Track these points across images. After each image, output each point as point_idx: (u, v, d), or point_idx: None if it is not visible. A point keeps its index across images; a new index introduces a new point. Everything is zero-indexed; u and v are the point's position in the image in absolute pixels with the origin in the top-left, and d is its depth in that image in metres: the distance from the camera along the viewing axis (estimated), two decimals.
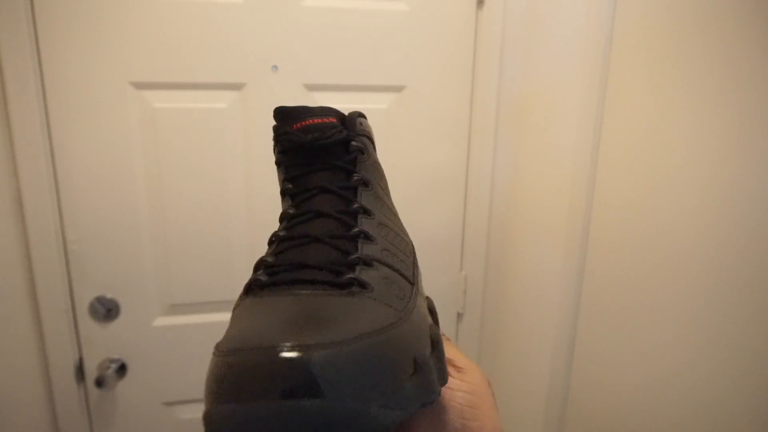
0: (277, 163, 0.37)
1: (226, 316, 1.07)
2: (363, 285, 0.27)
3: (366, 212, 0.34)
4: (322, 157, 0.36)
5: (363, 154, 0.37)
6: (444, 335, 0.35)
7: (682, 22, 0.69)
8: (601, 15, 0.81)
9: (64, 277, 0.98)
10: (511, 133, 1.08)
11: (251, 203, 1.03)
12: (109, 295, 1.01)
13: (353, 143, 0.36)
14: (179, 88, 0.96)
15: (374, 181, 0.37)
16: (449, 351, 0.34)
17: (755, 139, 0.59)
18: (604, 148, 0.85)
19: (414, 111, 1.05)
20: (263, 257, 0.31)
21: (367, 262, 0.29)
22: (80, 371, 1.03)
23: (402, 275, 0.31)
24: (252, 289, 0.29)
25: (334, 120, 0.36)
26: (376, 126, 1.04)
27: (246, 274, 1.04)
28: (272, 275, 0.29)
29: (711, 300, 0.66)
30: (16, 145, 0.89)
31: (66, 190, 0.95)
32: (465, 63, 1.06)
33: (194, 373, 1.08)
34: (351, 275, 0.28)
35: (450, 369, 0.32)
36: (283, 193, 0.36)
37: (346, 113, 0.38)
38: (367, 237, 0.32)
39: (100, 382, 0.99)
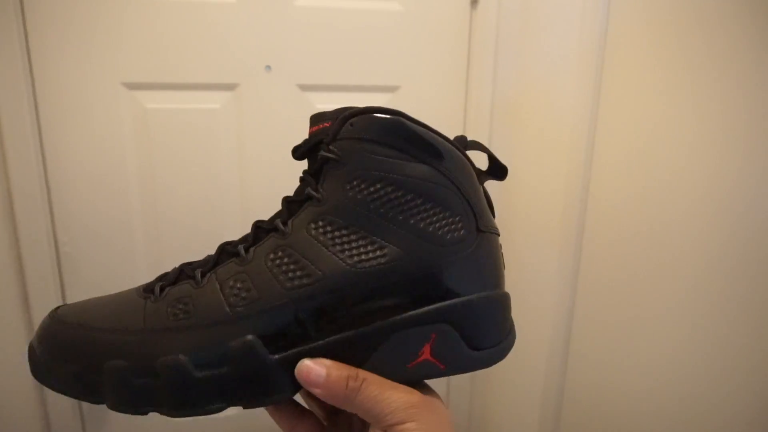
0: None
1: None
2: (152, 291, 0.32)
3: (278, 232, 0.31)
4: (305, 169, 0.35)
5: (337, 162, 0.31)
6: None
7: (677, 21, 0.68)
8: (596, 13, 0.81)
9: (56, 280, 0.97)
10: (505, 132, 1.08)
11: (245, 204, 1.02)
12: None
13: (322, 152, 0.31)
14: (172, 89, 0.95)
15: (337, 199, 0.30)
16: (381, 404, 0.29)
17: (753, 134, 0.59)
18: (599, 147, 0.85)
19: (408, 111, 1.03)
20: None
21: (193, 277, 0.32)
22: None
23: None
24: None
25: (328, 124, 0.32)
26: None
27: None
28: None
29: (707, 300, 0.66)
30: (6, 146, 0.88)
31: (57, 191, 0.94)
32: (459, 63, 1.06)
33: None
34: (158, 283, 0.32)
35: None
36: None
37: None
38: (236, 255, 0.32)
39: None
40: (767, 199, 0.58)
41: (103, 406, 0.29)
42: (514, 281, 1.07)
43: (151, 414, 0.29)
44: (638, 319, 0.78)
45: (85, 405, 1.04)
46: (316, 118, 0.33)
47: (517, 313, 0.34)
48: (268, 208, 0.35)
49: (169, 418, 0.29)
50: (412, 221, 0.31)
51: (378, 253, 0.30)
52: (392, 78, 1.03)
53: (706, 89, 0.64)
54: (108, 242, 0.98)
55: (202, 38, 0.93)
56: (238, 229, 1.19)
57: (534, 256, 1.01)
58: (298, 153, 0.34)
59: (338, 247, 0.30)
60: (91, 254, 0.98)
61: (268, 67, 0.97)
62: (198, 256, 0.34)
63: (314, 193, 0.31)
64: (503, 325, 0.34)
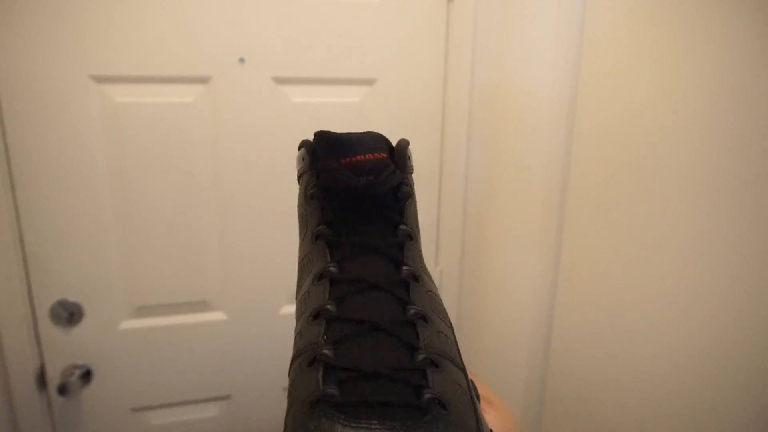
0: (311, 196, 0.31)
1: (195, 318, 1.04)
2: (443, 406, 0.24)
3: (415, 279, 0.30)
4: (372, 205, 0.30)
5: (410, 198, 0.32)
6: (473, 376, 0.32)
7: (655, 10, 0.68)
8: (573, 4, 0.81)
9: (22, 281, 0.93)
10: (484, 125, 1.07)
11: (220, 200, 1.00)
12: (71, 299, 0.97)
13: (404, 187, 0.31)
14: (142, 82, 0.92)
15: (417, 230, 0.32)
16: (482, 389, 0.34)
17: (745, 134, 0.59)
18: (578, 140, 0.85)
19: (386, 104, 1.04)
20: (320, 346, 0.26)
21: (435, 362, 0.26)
22: (42, 378, 0.99)
23: (457, 366, 0.27)
24: (320, 405, 0.24)
25: (386, 156, 0.31)
26: (347, 120, 1.02)
27: (215, 274, 1.01)
28: (342, 386, 0.25)
29: (691, 290, 0.66)
30: None
31: (22, 189, 0.91)
32: (437, 55, 1.05)
33: (163, 376, 1.04)
34: (429, 393, 0.24)
35: (485, 405, 0.34)
36: (317, 236, 0.31)
37: (393, 141, 0.32)
38: (424, 318, 0.28)
39: (63, 390, 0.95)
40: (760, 177, 0.58)
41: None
42: (495, 275, 1.07)
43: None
44: (619, 310, 0.78)
45: (56, 412, 1.00)
46: (355, 144, 0.31)
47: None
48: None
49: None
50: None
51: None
52: (369, 71, 1.02)
53: (690, 77, 0.64)
54: (78, 241, 0.95)
55: (173, 29, 0.91)
56: (213, 225, 1.15)
57: (515, 249, 1.01)
58: (380, 186, 0.30)
59: (426, 269, 0.34)
60: (61, 253, 0.95)
61: (242, 60, 0.95)
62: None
63: (410, 229, 0.31)
64: None
